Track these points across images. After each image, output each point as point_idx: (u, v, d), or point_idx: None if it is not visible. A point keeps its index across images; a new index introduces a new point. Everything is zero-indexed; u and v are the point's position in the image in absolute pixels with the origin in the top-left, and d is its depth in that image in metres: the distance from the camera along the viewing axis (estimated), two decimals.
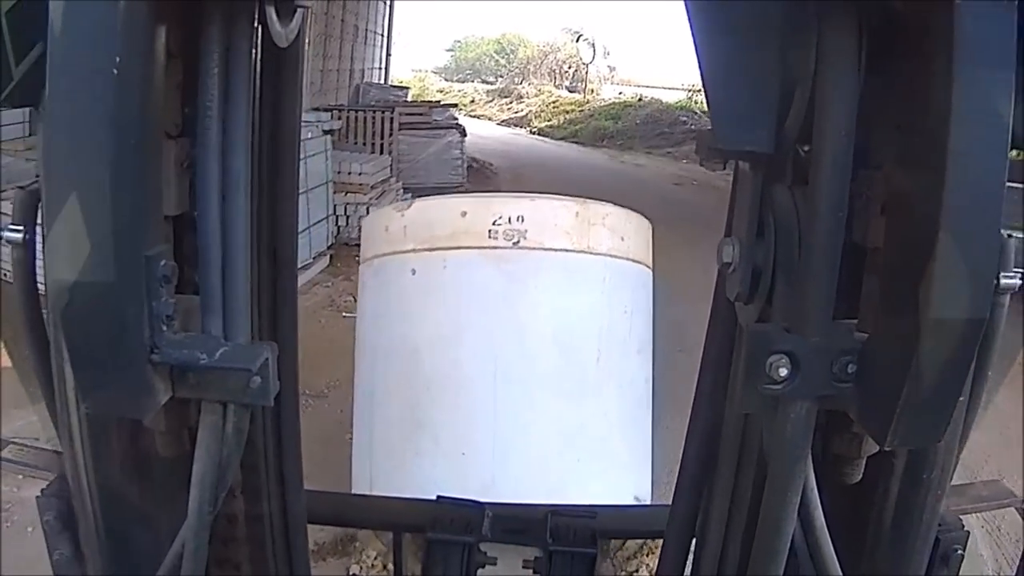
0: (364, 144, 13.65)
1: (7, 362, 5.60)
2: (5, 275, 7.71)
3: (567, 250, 3.86)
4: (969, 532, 1.32)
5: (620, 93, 30.54)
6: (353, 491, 3.77)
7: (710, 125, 0.99)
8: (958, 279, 0.84)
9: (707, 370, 1.32)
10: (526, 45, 36.76)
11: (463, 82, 36.65)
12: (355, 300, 4.24)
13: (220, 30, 1.01)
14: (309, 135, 9.54)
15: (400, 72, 29.73)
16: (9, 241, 1.12)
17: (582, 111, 28.23)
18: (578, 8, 35.05)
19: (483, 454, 3.42)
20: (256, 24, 1.06)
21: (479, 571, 1.72)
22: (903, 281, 0.88)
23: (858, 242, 1.00)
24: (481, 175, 16.75)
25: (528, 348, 3.84)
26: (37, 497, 1.29)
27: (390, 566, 4.11)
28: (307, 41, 1.20)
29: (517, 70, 35.33)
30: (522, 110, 30.20)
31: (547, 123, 27.95)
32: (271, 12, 1.08)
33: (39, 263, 1.12)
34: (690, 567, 1.42)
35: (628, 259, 4.01)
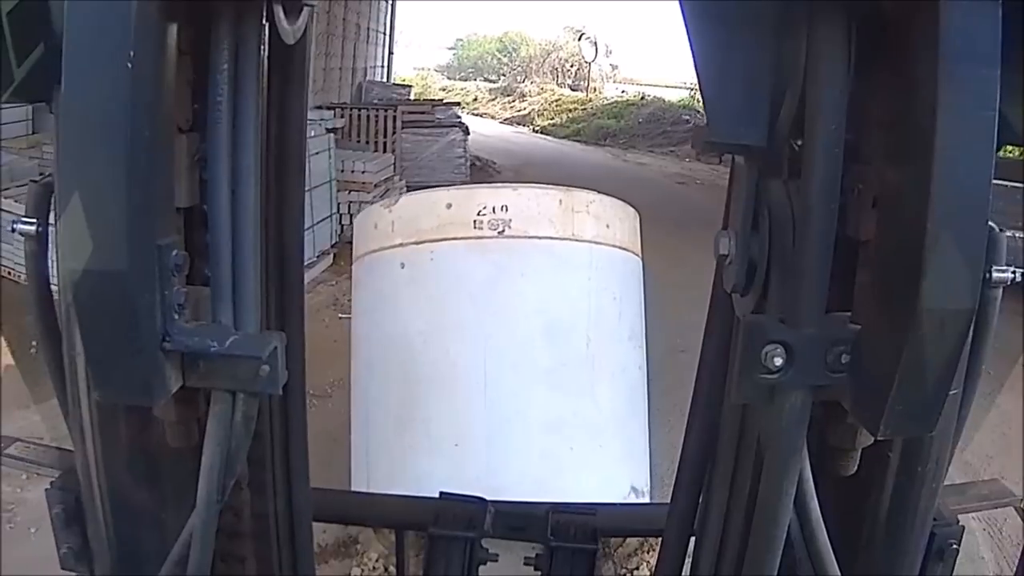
0: (367, 142, 13.65)
1: (8, 361, 5.60)
2: (7, 273, 7.72)
3: (552, 238, 3.89)
4: (964, 527, 1.32)
5: (623, 92, 30.51)
6: (351, 487, 3.78)
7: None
8: (947, 270, 0.85)
9: (706, 366, 1.34)
10: (528, 43, 36.73)
11: (466, 80, 36.65)
12: None
13: (229, 28, 1.03)
14: (312, 133, 9.54)
15: (402, 70, 29.77)
16: (22, 233, 1.14)
17: (584, 109, 28.22)
18: (580, 6, 35.01)
19: (476, 445, 3.44)
20: (264, 22, 1.08)
21: (480, 568, 1.74)
22: (894, 273, 0.90)
23: (851, 235, 1.01)
24: (484, 173, 16.75)
25: (517, 337, 3.86)
26: (46, 490, 1.30)
27: (391, 568, 4.11)
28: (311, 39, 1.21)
29: (519, 68, 35.31)
30: (524, 108, 30.19)
31: (549, 121, 27.94)
32: (279, 10, 1.10)
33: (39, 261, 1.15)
34: (689, 566, 1.43)
35: (614, 246, 4.03)
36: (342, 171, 10.63)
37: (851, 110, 0.96)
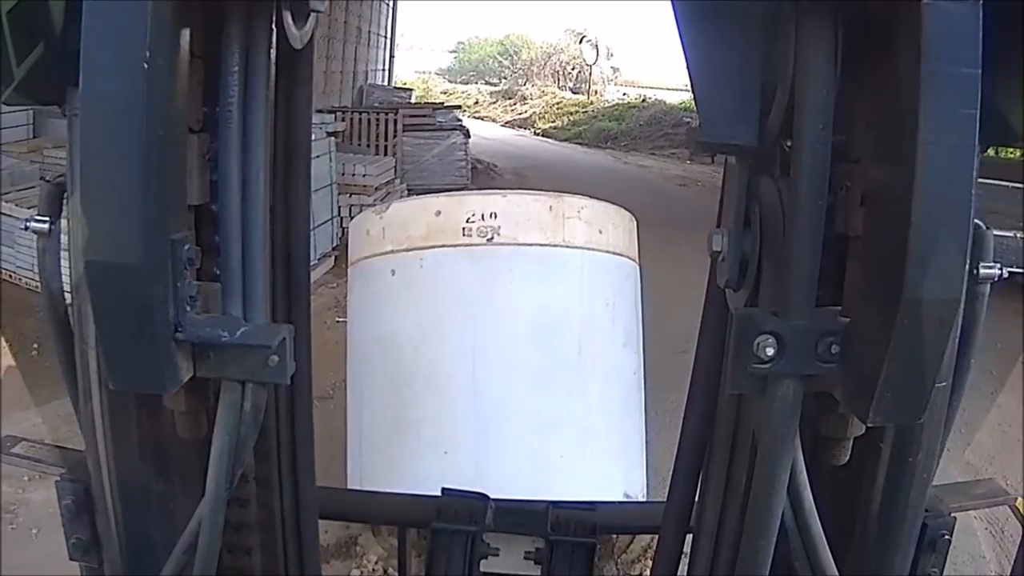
0: (368, 146, 13.66)
1: (9, 362, 5.60)
2: (8, 276, 7.73)
3: (541, 244, 3.89)
4: (956, 519, 1.37)
5: (624, 94, 30.55)
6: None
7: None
8: (932, 262, 0.88)
9: (701, 362, 1.36)
10: (529, 46, 36.74)
11: (467, 84, 36.66)
12: None
13: (240, 32, 1.07)
14: (313, 137, 9.52)
15: (404, 74, 29.79)
16: (35, 231, 1.19)
17: (586, 112, 28.24)
18: (581, 9, 35.03)
19: (465, 451, 3.46)
20: (272, 26, 1.12)
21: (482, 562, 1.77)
22: (881, 266, 0.93)
23: (841, 232, 1.04)
24: (486, 176, 16.75)
25: (506, 343, 3.86)
26: (56, 482, 1.33)
27: (391, 571, 4.12)
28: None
29: (521, 72, 35.32)
30: (526, 111, 30.20)
31: (551, 124, 27.96)
32: (287, 16, 1.14)
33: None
34: (687, 566, 1.44)
35: (607, 251, 4.03)
36: (343, 174, 10.64)
37: (839, 111, 0.99)
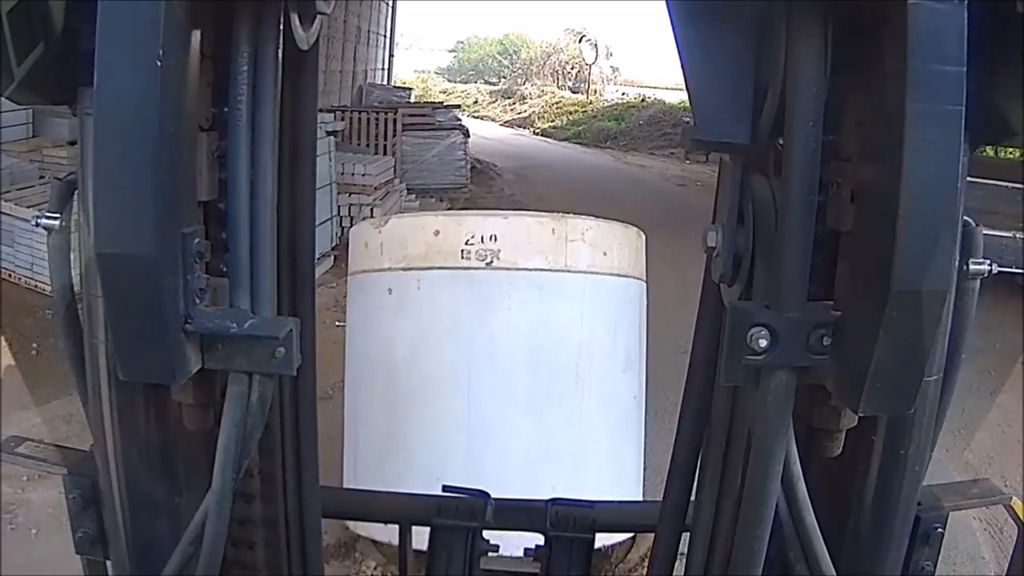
0: (367, 145, 13.65)
1: (9, 361, 5.59)
2: (8, 275, 7.72)
3: (542, 269, 3.84)
4: (948, 512, 1.38)
5: (623, 94, 30.54)
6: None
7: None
8: (919, 255, 0.91)
9: (697, 357, 1.39)
10: (529, 46, 36.73)
11: (466, 83, 36.63)
12: None
13: (249, 34, 1.10)
14: None
15: (403, 73, 29.78)
16: (45, 228, 1.21)
17: (585, 112, 28.23)
18: (581, 8, 35.00)
19: (457, 479, 3.44)
20: (280, 28, 1.15)
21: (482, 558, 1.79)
22: (871, 260, 0.95)
23: (833, 228, 1.07)
24: (485, 176, 16.74)
25: (501, 371, 3.83)
26: (64, 476, 1.35)
27: None
28: None
29: (520, 71, 35.30)
30: (525, 111, 30.19)
31: (550, 124, 27.95)
32: (294, 18, 1.17)
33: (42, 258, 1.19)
34: (684, 565, 1.45)
35: (611, 274, 3.97)
36: (342, 174, 10.63)
37: (830, 110, 1.02)
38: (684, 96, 1.11)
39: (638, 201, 15.09)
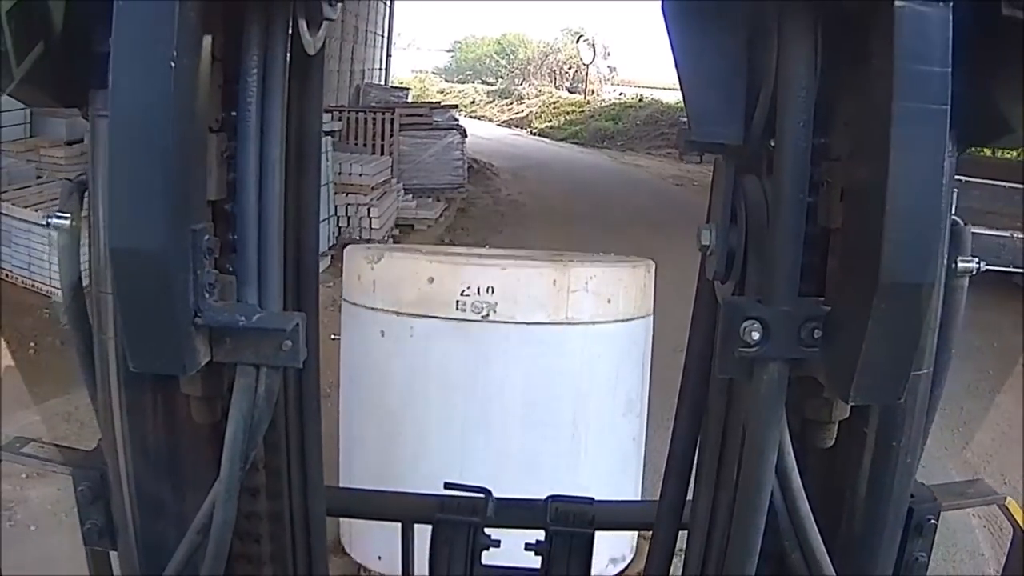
0: (365, 145, 13.65)
1: (8, 361, 5.57)
2: (6, 275, 7.72)
3: (541, 323, 3.69)
4: (941, 504, 1.40)
5: (620, 94, 30.60)
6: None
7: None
8: (904, 249, 0.94)
9: (693, 354, 1.41)
10: (526, 46, 36.80)
11: (463, 83, 36.71)
12: None
13: (258, 38, 1.14)
14: None
15: (400, 73, 29.81)
16: (56, 227, 1.24)
17: (582, 112, 28.29)
18: (578, 9, 35.02)
19: None
20: (288, 32, 1.18)
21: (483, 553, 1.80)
22: (860, 255, 0.98)
23: (823, 226, 1.10)
24: (482, 176, 16.77)
25: (496, 428, 3.70)
26: (73, 470, 1.38)
27: None
28: None
29: (517, 71, 35.37)
30: (522, 111, 30.27)
31: (547, 124, 28.02)
32: (302, 23, 1.21)
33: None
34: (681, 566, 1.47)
35: (616, 320, 3.84)
36: (339, 174, 10.64)
37: (821, 111, 1.05)
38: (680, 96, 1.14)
39: (636, 201, 15.11)
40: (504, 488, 1.79)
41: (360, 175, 10.95)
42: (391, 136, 13.98)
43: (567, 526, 1.76)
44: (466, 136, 15.16)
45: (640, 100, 27.78)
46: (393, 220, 11.73)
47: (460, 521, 1.77)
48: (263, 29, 1.14)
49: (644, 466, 4.11)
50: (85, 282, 1.27)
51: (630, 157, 21.89)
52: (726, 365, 1.10)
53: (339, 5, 1.28)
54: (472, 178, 15.60)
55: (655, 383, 4.06)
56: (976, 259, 1.23)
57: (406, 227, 11.97)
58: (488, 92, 34.25)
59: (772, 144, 1.08)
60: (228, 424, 1.14)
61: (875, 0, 0.94)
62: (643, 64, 31.41)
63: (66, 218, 1.24)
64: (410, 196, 12.84)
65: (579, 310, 3.72)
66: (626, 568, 4.15)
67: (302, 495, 1.48)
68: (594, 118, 27.17)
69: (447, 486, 1.82)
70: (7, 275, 7.75)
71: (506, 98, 32.70)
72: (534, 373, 3.77)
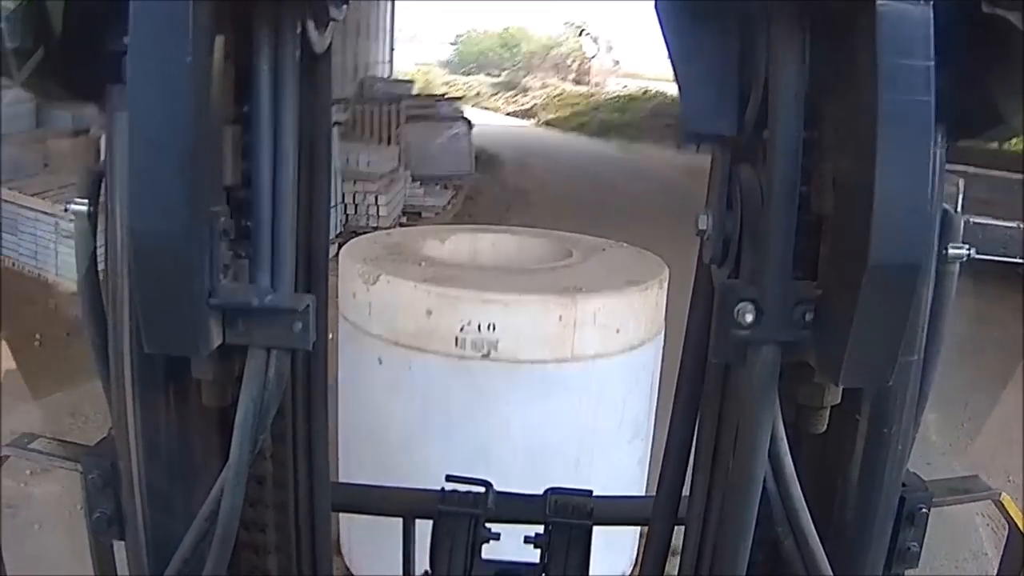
0: (372, 135, 13.67)
1: (9, 364, 5.57)
2: (12, 264, 7.73)
3: (545, 361, 3.56)
4: (933, 493, 1.43)
5: (624, 86, 30.53)
6: None
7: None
8: (892, 233, 0.97)
9: (691, 339, 1.42)
10: (529, 40, 36.74)
11: (468, 75, 36.65)
12: None
13: (269, 39, 1.19)
14: None
15: (404, 66, 29.75)
16: (75, 213, 1.28)
17: (588, 104, 28.28)
18: (580, 2, 34.81)
19: None
20: (297, 32, 1.23)
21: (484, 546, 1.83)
22: (849, 240, 1.02)
23: (816, 214, 1.12)
24: (488, 166, 16.76)
25: (497, 466, 3.52)
26: (83, 458, 1.41)
27: None
28: None
29: (521, 64, 35.31)
30: (528, 103, 30.26)
31: (553, 115, 28.00)
32: (310, 24, 1.26)
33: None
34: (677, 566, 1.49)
35: (623, 351, 3.72)
36: (347, 162, 10.65)
37: (812, 103, 1.08)
38: None
39: (643, 190, 15.11)
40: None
41: (368, 163, 10.97)
42: (397, 127, 13.99)
43: (566, 517, 1.81)
44: (472, 126, 15.17)
45: (645, 92, 27.75)
46: (400, 207, 11.75)
47: (462, 513, 1.80)
48: (273, 30, 1.19)
49: (648, 477, 4.06)
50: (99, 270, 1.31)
51: (636, 147, 21.86)
52: (721, 348, 1.13)
53: (344, 7, 1.33)
54: (479, 167, 15.60)
55: (665, 377, 4.01)
56: (967, 246, 1.27)
57: (414, 215, 11.99)
58: (493, 84, 34.23)
59: (765, 134, 1.11)
60: (239, 406, 1.17)
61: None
62: (647, 57, 31.30)
63: (84, 204, 1.28)
64: (418, 184, 12.86)
65: (584, 345, 3.60)
66: None
67: (308, 485, 1.51)
68: (599, 110, 27.17)
69: (448, 478, 1.86)
70: (13, 264, 7.76)
71: (511, 90, 32.67)
72: (537, 414, 3.66)
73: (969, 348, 6.93)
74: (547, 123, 27.31)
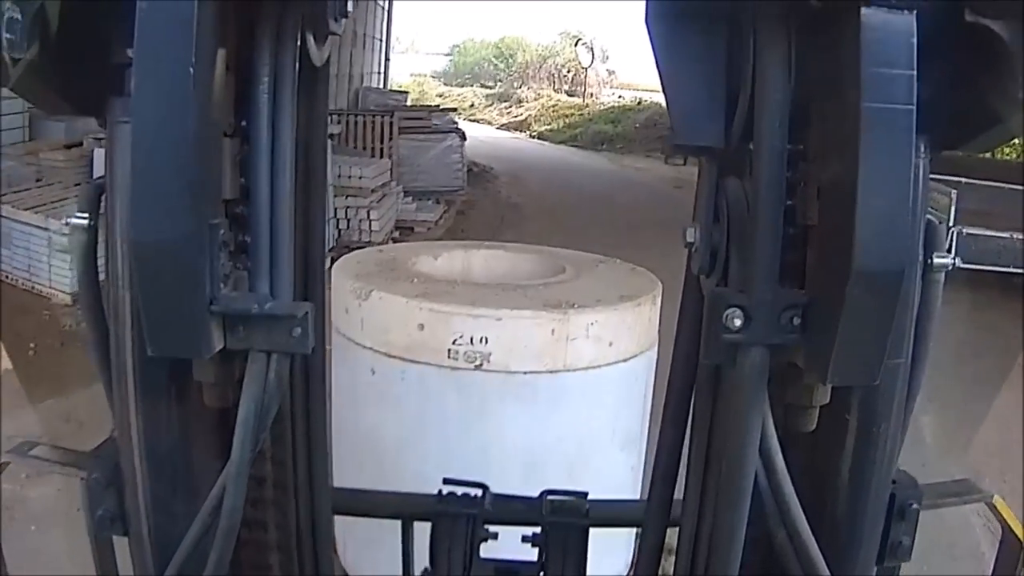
0: (364, 148, 13.66)
1: (8, 364, 5.57)
2: (6, 277, 7.73)
3: (537, 372, 3.58)
4: (922, 490, 1.45)
5: (619, 97, 30.62)
6: None
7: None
8: (875, 239, 1.00)
9: (680, 353, 1.45)
10: (525, 49, 36.84)
11: (462, 86, 36.73)
12: None
13: (270, 51, 1.22)
14: None
15: (399, 76, 29.82)
16: (76, 227, 1.31)
17: (581, 115, 28.34)
18: (576, 12, 35.05)
19: None
20: (297, 44, 1.27)
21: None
22: (835, 247, 1.04)
23: (802, 223, 1.15)
24: (481, 179, 16.79)
25: (488, 475, 3.31)
26: (86, 458, 1.44)
27: None
28: None
29: (516, 74, 35.40)
30: (521, 114, 30.31)
31: (546, 127, 28.06)
32: (310, 38, 1.31)
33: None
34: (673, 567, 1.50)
35: (616, 362, 3.73)
36: (339, 176, 10.65)
37: (797, 115, 1.11)
38: None
39: (635, 204, 15.13)
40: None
41: (360, 177, 10.97)
42: (390, 139, 13.99)
43: (563, 517, 1.84)
44: (465, 139, 15.18)
45: (639, 103, 27.82)
46: (393, 223, 11.74)
47: (460, 513, 1.83)
48: (273, 43, 1.22)
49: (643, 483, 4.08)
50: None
51: (629, 160, 21.91)
52: (711, 351, 1.16)
53: (343, 20, 1.36)
54: (471, 181, 15.62)
55: (658, 381, 4.03)
56: (951, 255, 1.30)
57: (406, 229, 11.99)
58: (487, 96, 34.29)
59: (751, 146, 1.14)
60: (240, 408, 1.20)
61: (843, 7, 1.00)
62: (641, 67, 31.38)
63: (84, 218, 1.30)
64: (410, 199, 12.86)
65: (577, 357, 3.63)
66: None
67: (308, 486, 1.54)
68: (593, 121, 27.22)
69: (446, 481, 1.89)
70: (7, 277, 7.76)
71: (505, 101, 32.73)
72: (530, 426, 3.68)
73: (964, 356, 6.98)
74: (540, 135, 27.34)
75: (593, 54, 32.23)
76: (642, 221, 12.73)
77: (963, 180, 9.31)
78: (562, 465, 3.76)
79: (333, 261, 4.41)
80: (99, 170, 1.33)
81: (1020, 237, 9.49)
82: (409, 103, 20.76)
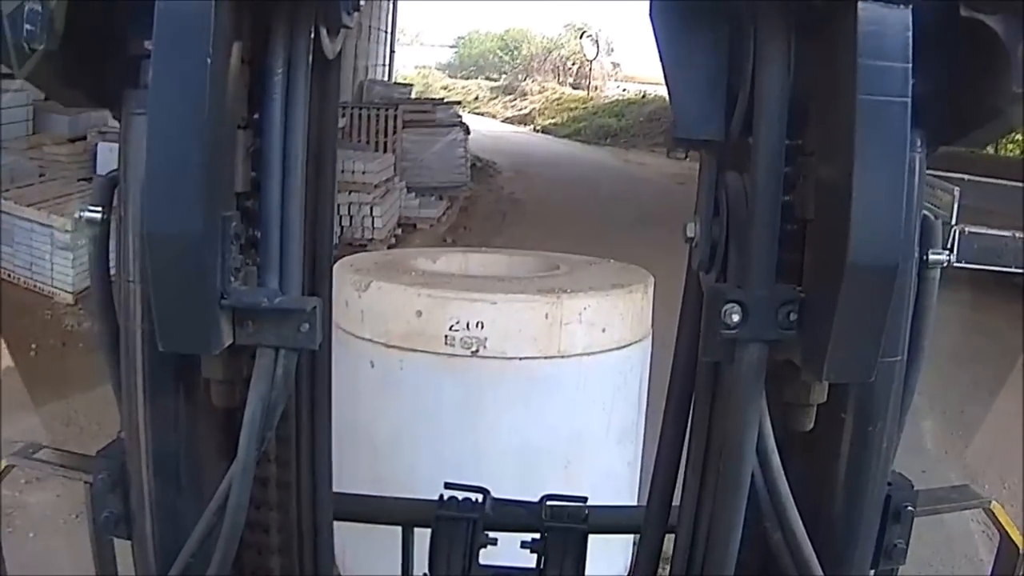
0: (367, 142, 13.63)
1: (8, 362, 5.58)
2: (7, 275, 7.73)
3: (533, 357, 3.66)
4: (918, 492, 1.46)
5: (624, 90, 30.52)
6: None
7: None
8: (870, 234, 1.01)
9: (681, 351, 1.46)
10: (530, 41, 36.75)
11: (467, 79, 36.67)
12: None
13: (284, 44, 1.23)
14: None
15: (404, 69, 29.77)
16: (89, 220, 1.32)
17: (586, 108, 28.27)
18: (581, 4, 34.89)
19: None
20: (311, 37, 1.28)
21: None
22: (831, 242, 1.05)
23: (801, 219, 1.16)
24: (485, 174, 16.76)
25: (485, 463, 3.62)
26: (91, 459, 1.45)
27: None
28: None
29: (521, 67, 35.32)
30: (526, 107, 30.25)
31: (551, 120, 28.00)
32: (323, 31, 1.32)
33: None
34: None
35: (610, 349, 3.80)
36: (342, 172, 10.63)
37: (796, 110, 1.12)
38: None
39: (639, 199, 15.08)
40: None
41: (363, 172, 10.93)
42: (394, 133, 13.97)
43: (562, 522, 1.84)
44: (469, 133, 15.15)
45: (643, 96, 27.71)
46: (396, 219, 11.72)
47: (460, 518, 1.84)
48: (287, 36, 1.23)
49: (640, 480, 4.08)
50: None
51: (633, 154, 21.87)
52: (710, 348, 1.16)
53: (356, 13, 1.36)
54: (475, 176, 15.60)
55: (654, 382, 4.04)
56: (946, 252, 1.30)
57: (408, 226, 11.98)
58: (492, 88, 34.22)
59: (751, 140, 1.14)
60: (247, 404, 1.21)
61: (840, 2, 1.00)
62: (646, 60, 31.31)
63: (98, 211, 1.31)
64: (413, 194, 12.83)
65: (571, 342, 3.69)
66: None
67: (311, 487, 1.55)
68: (597, 114, 27.15)
69: (447, 485, 1.89)
70: (8, 275, 7.75)
71: (509, 94, 32.67)
72: (526, 411, 3.73)
73: (965, 357, 6.98)
74: (544, 129, 27.28)
75: (598, 47, 32.14)
76: (644, 220, 12.69)
77: (965, 177, 9.27)
78: (558, 460, 3.79)
79: (336, 260, 4.41)
80: (103, 165, 1.33)
81: (1021, 236, 9.43)
82: (414, 95, 20.70)
